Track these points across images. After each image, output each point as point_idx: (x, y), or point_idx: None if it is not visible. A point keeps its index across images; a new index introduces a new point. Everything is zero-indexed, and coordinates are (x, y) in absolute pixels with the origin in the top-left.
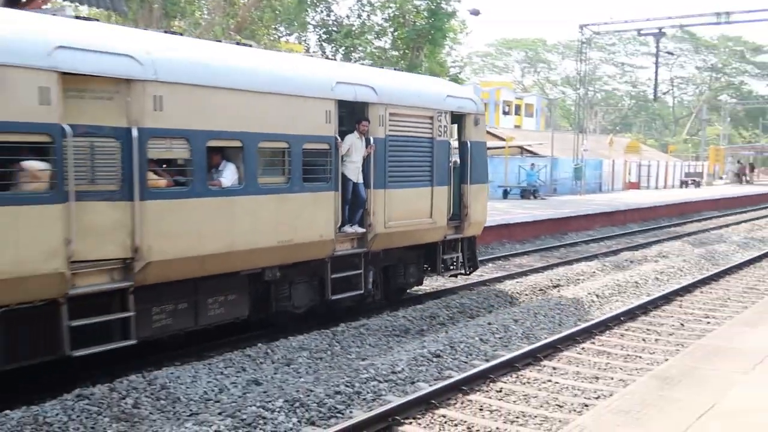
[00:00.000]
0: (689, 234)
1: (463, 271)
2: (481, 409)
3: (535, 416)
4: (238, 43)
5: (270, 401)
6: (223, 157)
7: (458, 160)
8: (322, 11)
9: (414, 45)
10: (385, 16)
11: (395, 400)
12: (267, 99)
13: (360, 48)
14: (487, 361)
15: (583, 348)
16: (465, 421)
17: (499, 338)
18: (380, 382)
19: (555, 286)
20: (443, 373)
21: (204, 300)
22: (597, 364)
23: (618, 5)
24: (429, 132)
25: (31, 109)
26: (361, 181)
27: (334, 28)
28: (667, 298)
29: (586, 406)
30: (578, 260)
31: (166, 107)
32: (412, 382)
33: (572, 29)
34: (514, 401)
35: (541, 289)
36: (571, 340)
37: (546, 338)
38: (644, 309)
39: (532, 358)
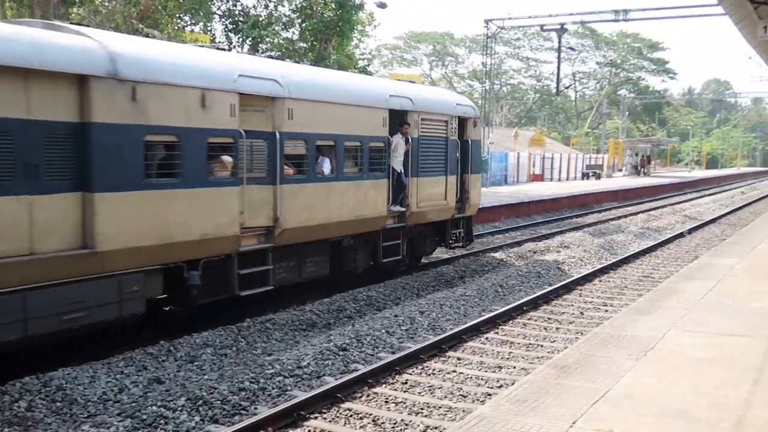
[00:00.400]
0: (590, 225)
1: (461, 244)
2: (386, 402)
3: (440, 407)
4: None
5: (172, 400)
6: (321, 153)
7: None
8: (228, 1)
9: (322, 37)
10: (293, 7)
11: (301, 395)
12: (349, 109)
13: (267, 39)
14: (394, 353)
15: (487, 338)
16: (370, 414)
17: (406, 330)
18: (286, 377)
19: (460, 278)
20: (349, 367)
21: (304, 260)
22: (500, 353)
23: (522, 1)
24: (445, 133)
25: (226, 120)
26: (402, 170)
27: (241, 19)
28: (567, 288)
29: (489, 395)
30: (483, 252)
31: (295, 117)
32: (319, 377)
33: (478, 24)
34: (420, 392)
35: (446, 281)
36: (476, 330)
37: (451, 329)
38: (546, 298)
39: (438, 349)
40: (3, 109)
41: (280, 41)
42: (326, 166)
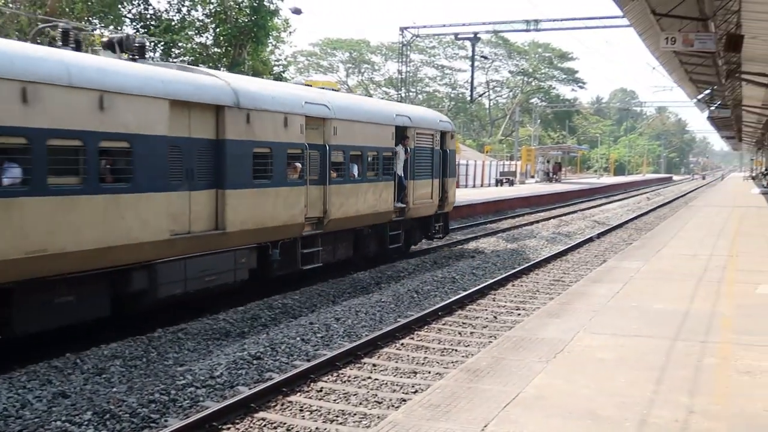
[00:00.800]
0: (503, 230)
1: (440, 235)
2: (301, 410)
3: (355, 414)
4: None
5: (78, 414)
6: (351, 160)
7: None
8: (139, 4)
9: (236, 42)
10: (207, 11)
11: (213, 406)
12: (370, 126)
13: (180, 44)
14: (309, 360)
15: (402, 344)
16: (284, 423)
17: (321, 337)
18: (198, 387)
19: (377, 284)
20: (264, 376)
21: (338, 245)
22: (415, 359)
23: (438, 10)
24: (431, 144)
25: (297, 136)
26: (402, 174)
27: (153, 23)
28: (482, 292)
29: (404, 401)
30: (399, 258)
31: (338, 133)
32: (232, 386)
33: (394, 31)
34: (335, 400)
35: (363, 287)
36: (391, 336)
37: (367, 336)
38: (461, 303)
39: (353, 356)
40: (177, 131)
41: (194, 46)
42: (355, 171)
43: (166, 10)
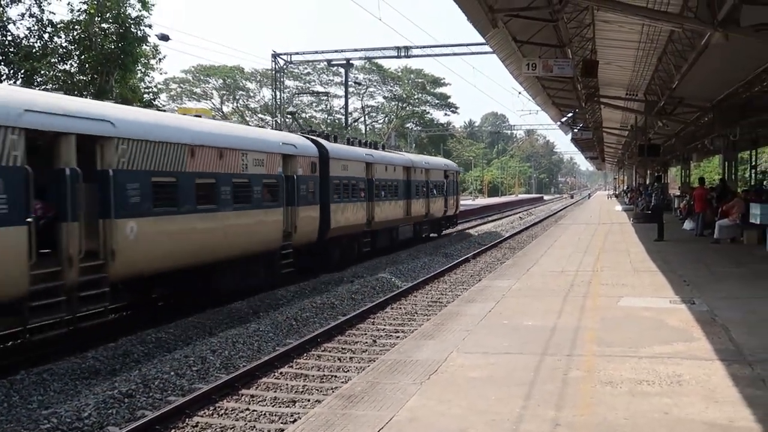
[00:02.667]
0: (381, 255)
1: (451, 228)
2: None
3: None
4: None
5: None
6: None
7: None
8: None
9: (103, 69)
10: (70, 38)
11: None
12: (421, 169)
13: (42, 72)
14: (183, 395)
15: (281, 373)
16: None
17: (197, 371)
18: (64, 431)
19: (255, 313)
20: (136, 414)
21: (378, 239)
22: (294, 387)
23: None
24: (444, 177)
25: (362, 171)
26: (436, 194)
27: (11, 50)
28: (361, 317)
29: (282, 431)
30: (276, 287)
31: (376, 172)
32: (101, 427)
33: (267, 58)
34: None
35: (240, 317)
36: (270, 365)
37: (244, 366)
38: (340, 329)
39: (230, 388)
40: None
41: (57, 74)
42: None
43: (26, 37)
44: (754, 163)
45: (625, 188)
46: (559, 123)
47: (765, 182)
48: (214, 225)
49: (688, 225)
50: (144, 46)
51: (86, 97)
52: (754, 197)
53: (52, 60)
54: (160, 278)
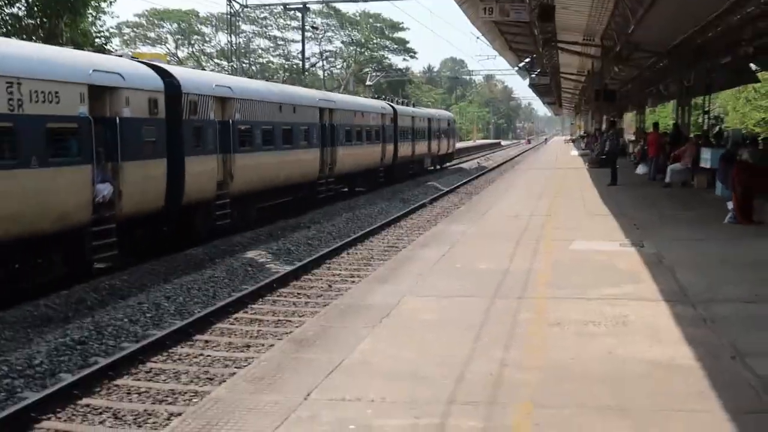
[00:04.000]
0: (338, 200)
1: (449, 163)
2: (129, 393)
3: (185, 392)
4: None
5: None
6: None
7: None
8: None
9: (52, 13)
10: None
11: (32, 396)
12: (435, 120)
13: None
14: (137, 342)
15: (236, 318)
16: (110, 408)
17: (151, 317)
18: (15, 378)
19: (211, 259)
20: (88, 361)
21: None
22: (249, 332)
23: None
24: (448, 124)
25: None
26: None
27: None
28: (317, 262)
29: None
30: (233, 233)
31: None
32: (53, 374)
33: (223, 2)
34: (164, 380)
35: (196, 264)
36: (225, 311)
37: (199, 312)
38: (296, 275)
39: (184, 333)
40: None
41: (5, 17)
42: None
43: None
44: (706, 109)
45: (581, 133)
46: (516, 68)
47: (718, 128)
48: None
49: (641, 169)
50: None
51: (35, 41)
52: (705, 142)
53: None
54: None
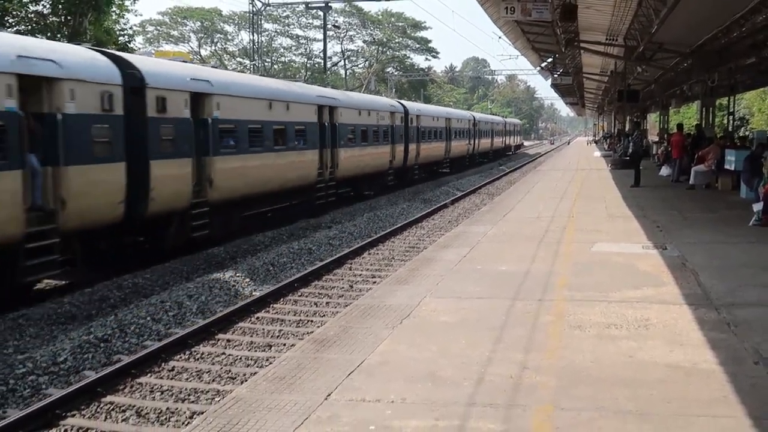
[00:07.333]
0: (360, 200)
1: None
2: (151, 391)
3: (207, 391)
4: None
5: None
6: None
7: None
8: None
9: (76, 11)
10: None
11: (56, 393)
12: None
13: (14, 12)
14: (160, 340)
15: (257, 317)
16: (134, 406)
17: (173, 316)
18: (40, 375)
19: (232, 258)
20: (112, 359)
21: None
22: (270, 332)
23: None
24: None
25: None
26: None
27: None
28: (338, 262)
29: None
30: (255, 232)
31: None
32: (77, 372)
33: (245, 1)
34: (187, 378)
35: (218, 263)
36: (246, 311)
37: (221, 311)
38: (317, 274)
39: (207, 332)
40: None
41: (29, 15)
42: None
43: None
44: (731, 110)
45: (604, 134)
46: (539, 68)
47: (742, 129)
48: None
49: (664, 171)
50: None
51: (60, 40)
52: (729, 144)
53: (24, 0)
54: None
